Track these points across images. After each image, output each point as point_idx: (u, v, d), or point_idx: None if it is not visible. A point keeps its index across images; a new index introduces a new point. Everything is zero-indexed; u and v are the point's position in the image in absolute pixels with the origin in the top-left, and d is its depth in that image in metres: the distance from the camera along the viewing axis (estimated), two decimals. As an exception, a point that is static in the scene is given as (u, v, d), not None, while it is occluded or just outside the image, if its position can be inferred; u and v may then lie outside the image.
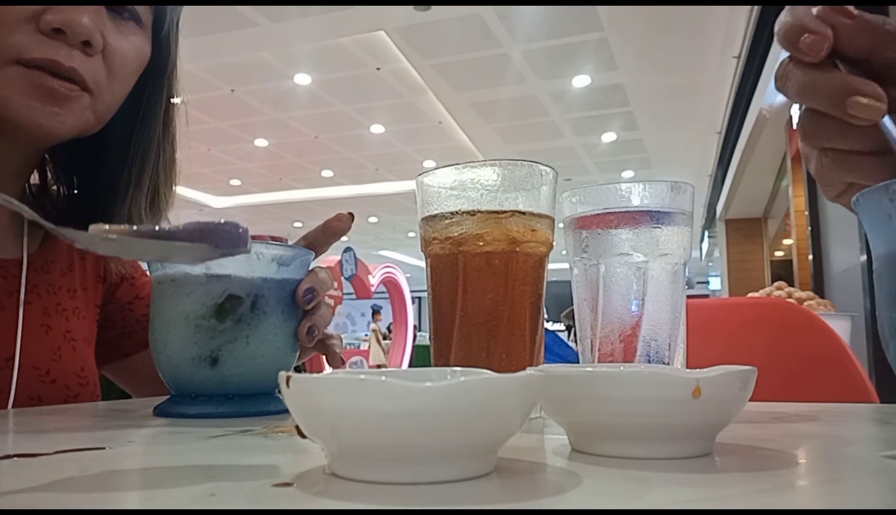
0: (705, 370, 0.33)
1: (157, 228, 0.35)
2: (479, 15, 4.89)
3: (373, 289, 7.56)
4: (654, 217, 0.56)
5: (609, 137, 7.77)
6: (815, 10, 0.44)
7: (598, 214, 0.57)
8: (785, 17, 0.44)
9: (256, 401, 0.54)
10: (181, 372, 0.53)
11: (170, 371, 0.54)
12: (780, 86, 0.46)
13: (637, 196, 0.56)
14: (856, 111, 0.41)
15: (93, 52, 0.62)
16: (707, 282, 14.76)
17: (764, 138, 5.64)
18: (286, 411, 0.54)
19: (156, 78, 0.73)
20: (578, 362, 0.60)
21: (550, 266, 0.55)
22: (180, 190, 0.78)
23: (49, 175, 0.79)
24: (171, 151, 0.77)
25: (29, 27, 0.59)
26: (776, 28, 0.45)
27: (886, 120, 0.41)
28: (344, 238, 0.73)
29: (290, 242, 0.65)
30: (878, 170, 0.44)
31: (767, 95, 4.89)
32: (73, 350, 0.74)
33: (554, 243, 0.55)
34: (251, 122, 7.33)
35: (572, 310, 0.63)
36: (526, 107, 6.72)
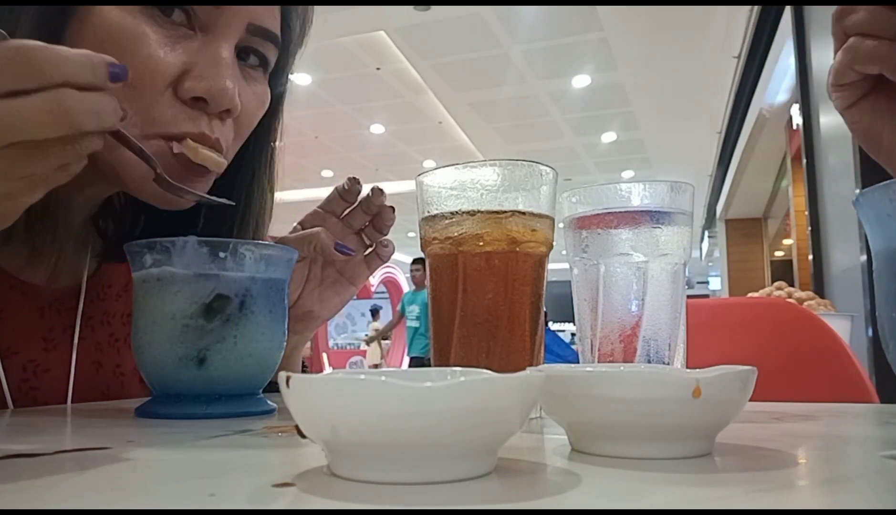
0: (705, 370, 0.33)
1: None
2: (479, 15, 4.89)
3: (373, 289, 7.56)
4: (654, 217, 0.56)
5: (609, 137, 7.77)
6: None
7: (598, 214, 0.57)
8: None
9: (241, 402, 0.53)
10: (167, 373, 0.52)
11: (155, 371, 0.53)
12: (850, 58, 0.49)
13: (637, 196, 0.56)
14: None
15: (229, 118, 0.58)
16: (707, 282, 14.76)
17: (764, 138, 5.64)
18: (272, 411, 0.54)
19: (262, 127, 0.68)
20: (578, 362, 0.60)
21: (550, 266, 0.55)
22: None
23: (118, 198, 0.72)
24: (271, 201, 0.72)
25: (168, 94, 0.54)
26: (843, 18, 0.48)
27: None
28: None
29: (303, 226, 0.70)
30: None
31: (767, 95, 4.89)
32: (120, 386, 0.72)
33: (554, 243, 0.55)
34: (251, 122, 7.32)
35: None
36: (526, 107, 6.71)
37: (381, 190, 0.73)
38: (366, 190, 0.74)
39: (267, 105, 0.64)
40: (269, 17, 0.61)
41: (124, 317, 0.73)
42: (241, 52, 0.60)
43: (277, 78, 0.68)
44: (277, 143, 0.73)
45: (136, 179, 0.56)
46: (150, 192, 0.57)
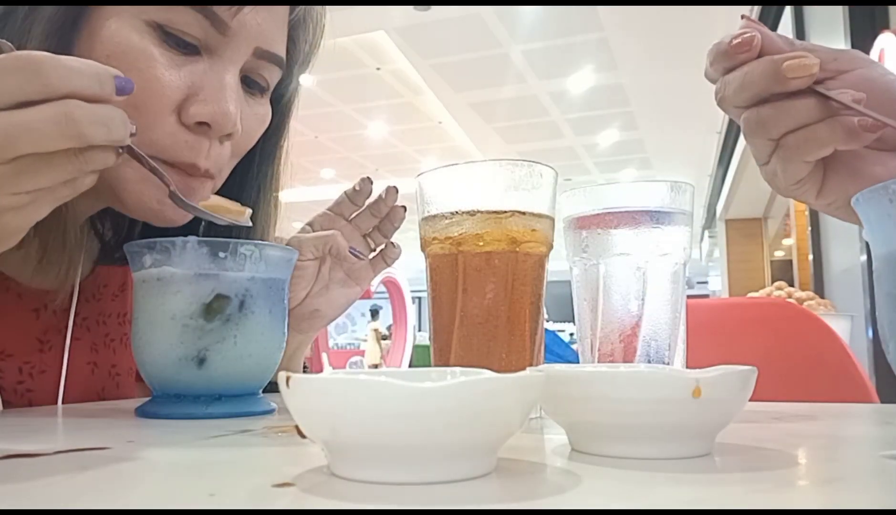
0: (705, 370, 0.33)
1: None
2: (479, 15, 4.89)
3: (372, 290, 7.56)
4: (654, 217, 0.56)
5: (609, 137, 7.76)
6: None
7: (598, 214, 0.57)
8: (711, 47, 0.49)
9: (242, 402, 0.53)
10: (167, 373, 0.52)
11: (155, 371, 0.53)
12: (721, 97, 0.49)
13: (637, 196, 0.56)
14: (793, 72, 0.45)
15: (228, 141, 0.59)
16: (707, 282, 14.77)
17: (764, 138, 5.64)
18: (272, 411, 0.54)
19: (268, 144, 0.69)
20: (578, 362, 0.60)
21: (550, 266, 0.55)
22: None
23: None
24: (275, 216, 0.73)
25: (171, 120, 0.54)
26: (707, 60, 0.49)
27: (817, 86, 0.45)
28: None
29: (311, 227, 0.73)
30: (829, 133, 0.46)
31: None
32: (116, 386, 0.72)
33: (554, 243, 0.55)
34: (251, 122, 7.32)
35: None
36: (526, 107, 6.71)
37: (395, 189, 0.75)
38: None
39: (267, 124, 0.65)
40: (277, 41, 0.61)
41: (121, 317, 0.73)
42: (245, 76, 0.61)
43: (281, 96, 0.69)
44: (283, 160, 0.73)
45: (135, 201, 0.56)
46: (146, 212, 0.57)
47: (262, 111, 0.63)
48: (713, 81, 0.50)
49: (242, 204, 0.68)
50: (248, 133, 0.62)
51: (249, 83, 0.61)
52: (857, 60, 0.49)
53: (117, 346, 0.73)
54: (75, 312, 0.67)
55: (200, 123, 0.55)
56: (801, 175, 0.49)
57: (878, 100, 0.46)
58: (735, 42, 0.47)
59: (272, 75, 0.63)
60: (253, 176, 0.70)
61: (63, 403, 0.64)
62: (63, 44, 0.53)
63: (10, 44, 0.41)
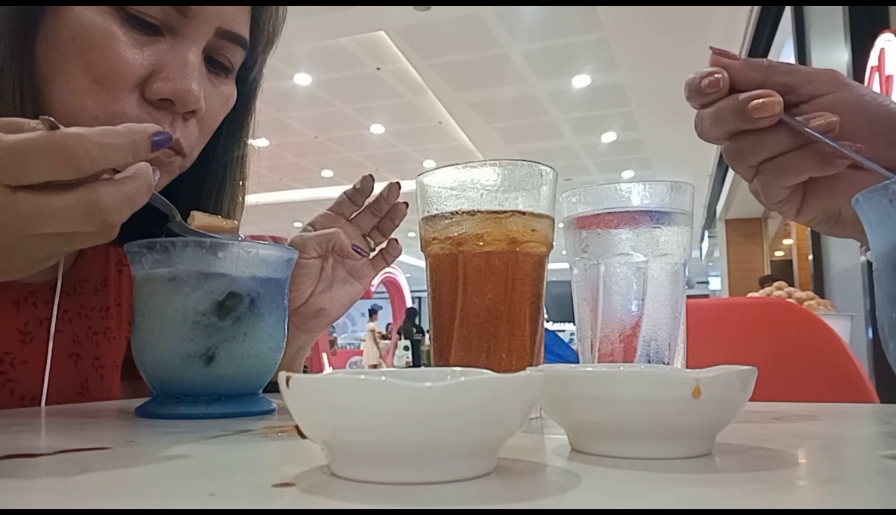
0: (705, 370, 0.33)
1: None
2: (479, 15, 4.89)
3: (373, 289, 7.56)
4: (654, 217, 0.56)
5: (609, 137, 7.76)
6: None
7: (598, 214, 0.57)
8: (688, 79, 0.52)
9: (242, 402, 0.53)
10: (171, 371, 0.52)
11: (158, 369, 0.53)
12: (699, 131, 0.53)
13: (637, 196, 0.56)
14: (757, 112, 0.47)
15: (194, 118, 0.60)
16: (707, 282, 14.77)
17: (764, 138, 5.63)
18: (272, 411, 0.54)
19: (234, 123, 0.70)
20: (578, 362, 0.60)
21: (550, 266, 0.55)
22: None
23: None
24: (242, 196, 0.74)
25: (134, 95, 0.56)
26: (684, 92, 0.52)
27: (786, 117, 0.48)
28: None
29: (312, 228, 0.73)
30: (801, 161, 0.49)
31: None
32: (100, 379, 0.72)
33: (554, 243, 0.55)
34: (251, 122, 7.33)
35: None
36: (526, 107, 6.71)
37: (398, 185, 0.76)
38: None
39: (232, 104, 0.66)
40: (239, 22, 0.63)
41: (103, 311, 0.74)
42: (209, 57, 0.62)
43: (246, 76, 0.70)
44: (250, 140, 0.75)
45: None
46: None
47: (226, 91, 0.65)
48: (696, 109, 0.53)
49: (206, 188, 0.71)
50: (213, 112, 0.63)
51: (213, 63, 0.63)
52: (833, 83, 0.50)
53: (101, 339, 0.73)
54: (58, 305, 0.67)
55: (164, 100, 0.57)
56: (781, 197, 0.52)
57: (854, 123, 0.48)
58: (704, 82, 0.50)
59: (236, 56, 0.64)
60: (219, 156, 0.71)
61: (47, 393, 0.64)
62: (28, 24, 0.55)
63: (50, 119, 0.40)
